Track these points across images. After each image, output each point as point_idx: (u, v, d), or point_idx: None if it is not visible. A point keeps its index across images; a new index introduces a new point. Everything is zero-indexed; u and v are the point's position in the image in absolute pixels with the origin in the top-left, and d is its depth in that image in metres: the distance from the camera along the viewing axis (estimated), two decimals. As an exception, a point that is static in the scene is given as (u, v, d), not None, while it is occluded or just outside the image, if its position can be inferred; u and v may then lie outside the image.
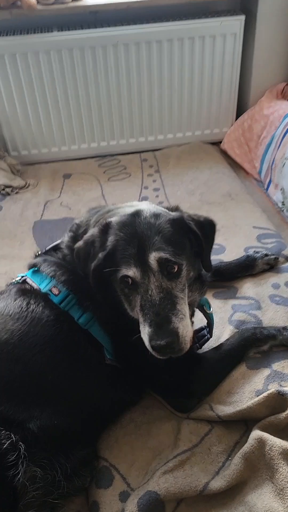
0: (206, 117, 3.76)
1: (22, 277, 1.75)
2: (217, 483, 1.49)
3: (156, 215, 1.53)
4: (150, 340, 1.40)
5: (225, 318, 2.09)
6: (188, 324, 1.47)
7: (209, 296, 2.10)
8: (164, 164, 3.61)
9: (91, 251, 1.55)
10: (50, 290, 1.63)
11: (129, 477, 1.59)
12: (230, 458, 1.58)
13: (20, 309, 1.59)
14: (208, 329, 1.84)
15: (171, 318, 1.41)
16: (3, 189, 3.32)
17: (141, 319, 1.45)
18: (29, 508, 1.34)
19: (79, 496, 1.57)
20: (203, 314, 1.82)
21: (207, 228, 1.63)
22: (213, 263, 1.72)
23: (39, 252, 1.82)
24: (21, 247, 2.75)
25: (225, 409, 1.68)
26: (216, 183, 3.31)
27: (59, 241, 1.80)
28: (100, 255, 1.49)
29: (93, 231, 1.60)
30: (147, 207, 1.60)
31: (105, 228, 1.54)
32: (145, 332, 1.43)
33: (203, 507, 1.48)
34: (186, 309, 1.49)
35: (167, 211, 1.61)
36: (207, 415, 1.68)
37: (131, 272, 1.44)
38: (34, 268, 1.73)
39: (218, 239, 2.44)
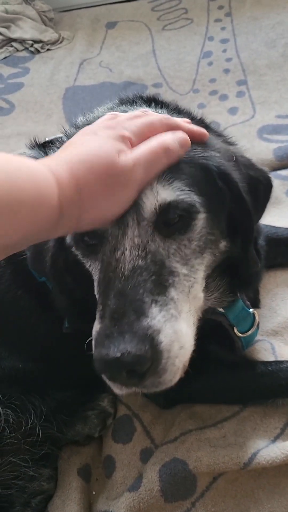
0: None
1: None
2: (270, 454, 1.09)
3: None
4: (96, 345, 0.73)
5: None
6: (183, 331, 0.76)
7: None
8: (239, 3, 2.69)
9: None
10: None
11: (153, 431, 1.24)
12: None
13: None
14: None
15: (146, 307, 0.72)
16: (31, 45, 2.67)
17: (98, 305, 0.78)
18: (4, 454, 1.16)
19: (89, 446, 1.28)
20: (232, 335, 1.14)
21: (260, 186, 0.95)
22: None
23: (37, 141, 1.23)
24: (47, 121, 2.21)
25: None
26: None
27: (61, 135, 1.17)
28: None
29: None
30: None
31: None
32: (94, 329, 0.76)
33: (248, 486, 1.11)
34: (187, 305, 0.80)
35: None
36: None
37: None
38: None
39: None
